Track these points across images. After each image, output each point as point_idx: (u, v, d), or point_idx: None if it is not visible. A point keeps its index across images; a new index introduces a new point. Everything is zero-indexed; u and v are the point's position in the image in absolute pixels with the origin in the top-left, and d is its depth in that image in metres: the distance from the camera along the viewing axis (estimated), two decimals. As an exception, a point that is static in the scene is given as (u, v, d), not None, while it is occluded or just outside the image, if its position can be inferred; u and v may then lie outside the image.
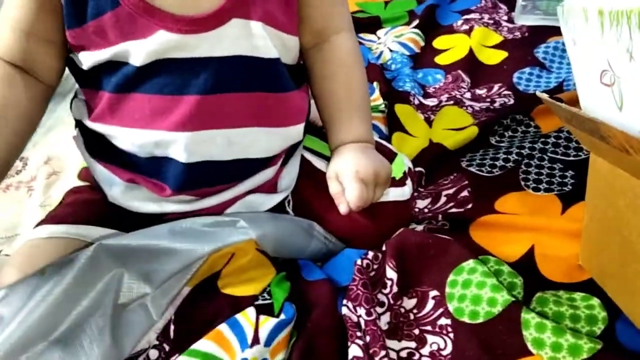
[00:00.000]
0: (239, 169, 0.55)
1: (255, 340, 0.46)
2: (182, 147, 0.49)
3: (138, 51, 0.47)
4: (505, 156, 0.68)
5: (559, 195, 0.62)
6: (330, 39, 0.57)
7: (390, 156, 0.61)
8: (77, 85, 0.55)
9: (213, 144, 0.51)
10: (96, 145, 0.54)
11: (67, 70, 0.54)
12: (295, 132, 0.58)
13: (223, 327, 0.48)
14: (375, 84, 0.82)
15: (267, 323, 0.48)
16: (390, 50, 0.94)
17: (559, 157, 0.66)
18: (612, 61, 0.38)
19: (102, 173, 0.54)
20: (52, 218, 0.54)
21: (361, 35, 1.01)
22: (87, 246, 0.48)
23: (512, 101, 0.79)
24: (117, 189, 0.54)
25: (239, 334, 0.47)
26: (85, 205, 0.56)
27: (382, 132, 0.75)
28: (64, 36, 0.49)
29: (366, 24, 1.04)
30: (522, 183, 0.64)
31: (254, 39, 0.50)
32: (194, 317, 0.50)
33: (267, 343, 0.46)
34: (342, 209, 0.53)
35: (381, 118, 0.77)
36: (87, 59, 0.49)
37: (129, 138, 0.50)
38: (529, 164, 0.66)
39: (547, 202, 0.62)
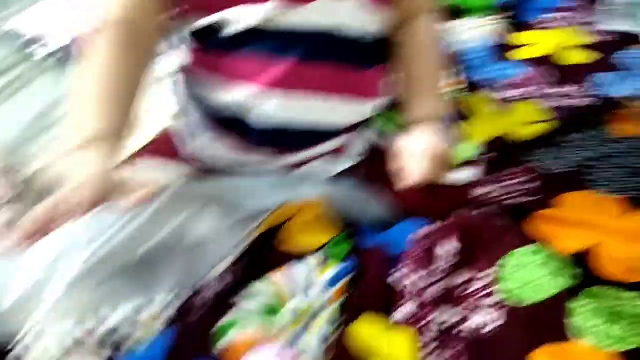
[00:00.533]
0: (315, 134, 0.58)
1: (318, 283, 0.50)
2: (271, 104, 0.53)
3: (249, 15, 0.51)
4: (573, 155, 0.68)
5: (623, 198, 0.61)
6: (416, 19, 0.60)
7: (458, 140, 0.63)
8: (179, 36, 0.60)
9: (298, 107, 0.54)
10: (192, 96, 0.59)
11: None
12: (371, 106, 0.61)
13: (290, 266, 0.53)
14: (452, 69, 0.83)
15: (332, 268, 0.52)
16: (469, 41, 0.94)
17: (629, 162, 0.66)
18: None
19: (193, 121, 0.59)
20: (144, 152, 0.59)
21: (443, 22, 1.01)
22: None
23: (589, 103, 0.78)
24: (204, 138, 0.59)
25: (304, 273, 0.51)
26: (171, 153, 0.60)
27: (454, 117, 0.76)
28: None
29: (449, 11, 1.04)
30: (587, 182, 0.65)
31: (354, 12, 0.52)
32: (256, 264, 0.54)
33: (332, 283, 0.50)
34: (403, 183, 0.56)
35: (454, 103, 0.78)
36: (200, 19, 0.53)
37: (225, 90, 0.55)
38: (596, 166, 0.66)
39: (611, 203, 0.62)
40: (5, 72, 1.02)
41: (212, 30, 0.53)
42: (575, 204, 0.62)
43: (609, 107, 0.74)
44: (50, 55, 0.97)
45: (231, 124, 0.57)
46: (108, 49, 0.50)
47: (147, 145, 0.65)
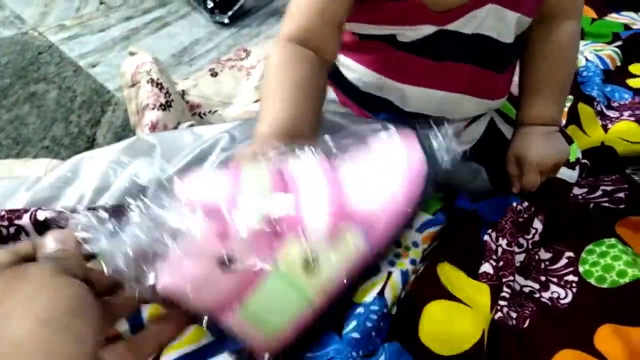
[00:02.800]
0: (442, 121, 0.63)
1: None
2: (405, 95, 0.60)
3: (406, 34, 0.56)
4: (670, 176, 0.71)
5: None
6: (559, 22, 0.61)
7: (568, 141, 0.67)
8: None
9: (429, 101, 0.60)
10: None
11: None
12: (496, 103, 0.65)
13: None
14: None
15: (422, 216, 0.58)
16: (586, 59, 0.97)
17: None
18: None
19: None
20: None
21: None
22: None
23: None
24: (332, 106, 0.65)
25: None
26: None
27: (566, 122, 0.80)
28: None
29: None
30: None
31: (500, 22, 0.57)
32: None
33: (420, 229, 0.57)
34: (515, 189, 0.60)
35: (564, 110, 0.82)
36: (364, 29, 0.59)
37: (367, 77, 0.61)
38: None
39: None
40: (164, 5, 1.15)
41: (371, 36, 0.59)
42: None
43: None
44: None
45: (361, 102, 0.64)
46: (288, 62, 0.52)
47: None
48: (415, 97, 0.60)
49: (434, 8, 0.53)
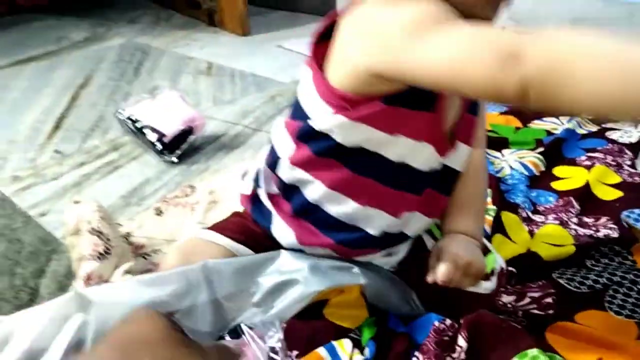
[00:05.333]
0: (389, 239, 0.67)
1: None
2: (359, 215, 0.63)
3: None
4: (595, 278, 0.74)
5: (638, 323, 0.66)
6: (473, 153, 0.68)
7: (485, 252, 0.71)
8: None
9: (382, 218, 0.63)
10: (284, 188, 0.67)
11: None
12: (435, 220, 0.70)
13: (322, 351, 0.60)
14: (489, 191, 0.93)
15: (357, 357, 0.59)
16: (511, 168, 1.05)
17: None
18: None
19: (266, 208, 0.69)
20: (217, 227, 0.70)
21: (488, 150, 1.13)
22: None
23: (615, 234, 0.85)
24: (280, 226, 0.68)
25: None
26: (245, 229, 0.70)
27: (486, 232, 0.84)
28: None
29: (495, 142, 1.16)
30: (606, 305, 0.70)
31: (461, 156, 0.65)
32: (300, 331, 0.62)
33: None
34: (430, 278, 0.63)
35: (489, 220, 0.87)
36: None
37: (336, 201, 0.63)
38: (616, 290, 0.72)
39: (626, 326, 0.67)
40: (117, 149, 1.21)
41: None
42: (593, 322, 0.68)
43: (634, 240, 0.80)
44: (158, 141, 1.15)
45: (315, 222, 0.65)
46: None
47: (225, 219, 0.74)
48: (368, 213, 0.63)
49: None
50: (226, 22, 2.24)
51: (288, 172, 0.64)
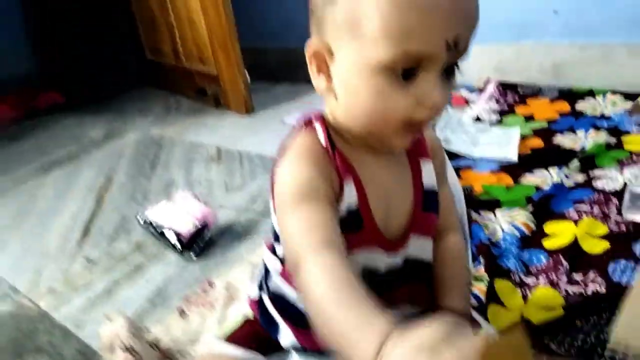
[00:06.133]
0: None
1: None
2: None
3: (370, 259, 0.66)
4: (583, 337, 0.80)
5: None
6: (447, 236, 0.75)
7: (481, 326, 0.77)
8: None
9: None
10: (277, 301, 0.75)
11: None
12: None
13: None
14: (481, 258, 1.00)
15: None
16: (503, 231, 1.11)
17: None
18: None
19: (270, 314, 0.76)
20: (230, 338, 0.78)
21: (481, 212, 1.20)
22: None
23: (603, 290, 0.91)
24: (285, 332, 0.75)
25: None
26: (256, 337, 0.76)
27: (482, 301, 0.91)
28: None
29: (487, 203, 1.24)
30: (598, 363, 0.76)
31: (426, 245, 0.71)
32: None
33: None
34: None
35: (482, 289, 0.93)
36: None
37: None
38: (604, 347, 0.77)
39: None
40: (140, 249, 1.32)
41: None
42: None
43: (620, 293, 0.86)
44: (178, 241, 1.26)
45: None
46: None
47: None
48: None
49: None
50: (231, 103, 2.39)
51: (277, 286, 0.72)
